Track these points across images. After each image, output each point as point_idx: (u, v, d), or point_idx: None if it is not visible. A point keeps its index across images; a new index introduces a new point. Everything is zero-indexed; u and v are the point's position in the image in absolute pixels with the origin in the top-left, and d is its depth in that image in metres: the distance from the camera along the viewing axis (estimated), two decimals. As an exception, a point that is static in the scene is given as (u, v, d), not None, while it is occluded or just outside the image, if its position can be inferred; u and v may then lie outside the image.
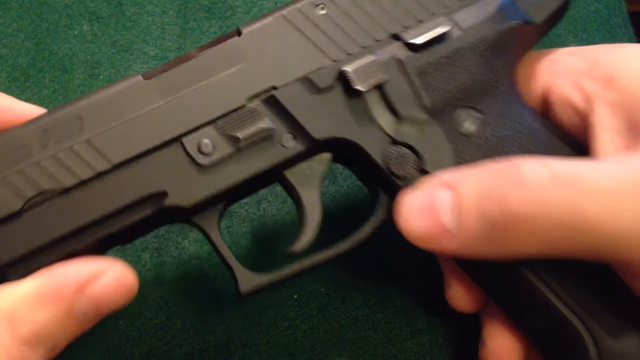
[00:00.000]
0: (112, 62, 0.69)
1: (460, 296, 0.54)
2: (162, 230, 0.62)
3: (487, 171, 0.44)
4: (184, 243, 0.63)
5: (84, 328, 0.46)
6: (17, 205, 0.46)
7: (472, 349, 0.55)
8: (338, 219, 0.63)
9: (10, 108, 0.50)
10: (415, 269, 0.61)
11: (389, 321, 0.60)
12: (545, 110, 0.53)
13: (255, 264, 0.62)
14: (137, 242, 0.62)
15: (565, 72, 0.51)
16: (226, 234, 0.63)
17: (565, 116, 0.51)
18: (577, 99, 0.49)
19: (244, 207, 0.64)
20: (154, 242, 0.62)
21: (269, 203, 0.64)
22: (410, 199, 0.46)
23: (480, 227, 0.43)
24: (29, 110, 0.50)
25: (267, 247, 0.63)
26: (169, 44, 0.70)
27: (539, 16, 0.51)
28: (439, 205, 0.45)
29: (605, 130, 0.47)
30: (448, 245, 0.45)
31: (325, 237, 0.60)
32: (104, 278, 0.46)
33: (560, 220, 0.41)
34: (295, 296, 0.61)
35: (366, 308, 0.61)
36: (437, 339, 0.60)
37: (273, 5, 0.72)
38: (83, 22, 0.70)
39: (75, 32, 0.70)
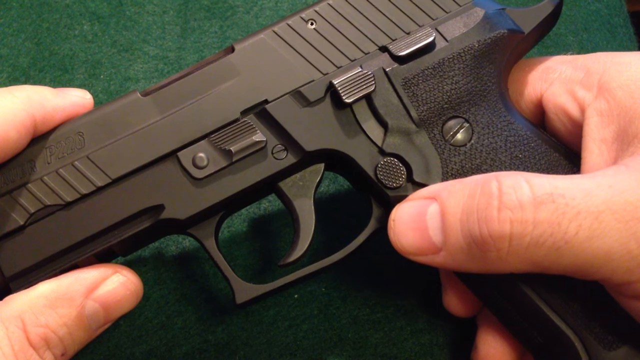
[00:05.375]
0: (113, 62, 0.69)
1: (456, 302, 0.54)
2: (162, 230, 0.63)
3: (472, 186, 0.44)
4: (184, 243, 0.63)
5: (91, 335, 0.48)
6: (21, 220, 0.48)
7: (472, 349, 0.55)
8: (338, 218, 0.63)
9: (58, 107, 0.50)
10: (416, 270, 0.61)
11: (390, 321, 0.60)
12: (540, 118, 0.53)
13: (255, 264, 0.62)
14: (137, 241, 0.62)
15: (560, 81, 0.51)
16: (227, 233, 0.63)
17: (560, 124, 0.51)
18: (572, 108, 0.49)
19: (245, 207, 0.64)
20: (154, 242, 0.62)
21: (269, 203, 0.64)
22: (401, 214, 0.47)
23: (463, 244, 0.44)
24: (76, 100, 0.51)
25: (268, 247, 0.63)
26: (170, 43, 0.70)
27: (528, 25, 0.51)
28: (427, 220, 0.46)
29: (594, 139, 0.47)
30: (436, 259, 0.46)
31: (326, 237, 0.60)
32: (111, 281, 0.48)
33: (539, 240, 0.41)
34: (296, 296, 0.61)
35: (367, 308, 0.61)
36: (438, 339, 0.60)
37: (273, 5, 0.72)
38: (84, 22, 0.70)
39: (76, 32, 0.70)
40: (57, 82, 0.68)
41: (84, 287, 0.47)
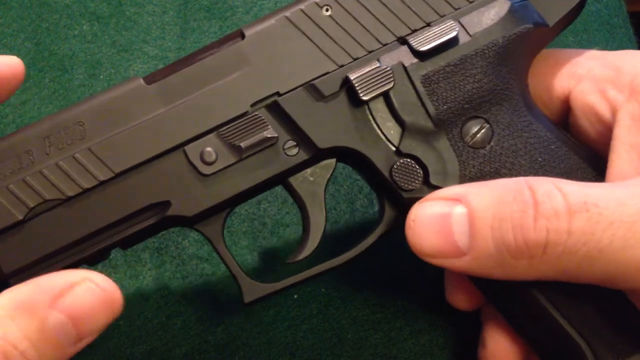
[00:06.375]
0: (112, 62, 0.69)
1: (459, 295, 0.54)
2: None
3: (501, 191, 0.43)
4: (184, 243, 0.63)
5: (65, 352, 0.42)
6: (19, 215, 0.46)
7: (472, 349, 0.55)
8: (338, 218, 0.63)
9: None
10: (416, 270, 0.61)
11: (389, 321, 0.60)
12: (564, 115, 0.52)
13: (255, 263, 0.62)
14: (137, 242, 0.62)
15: (589, 78, 0.49)
16: (227, 234, 0.63)
17: (588, 123, 0.50)
18: (602, 109, 0.48)
19: (244, 207, 0.64)
20: (154, 242, 0.62)
21: (269, 203, 0.64)
22: (423, 214, 0.46)
23: (493, 250, 0.43)
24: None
25: (267, 246, 0.63)
26: (169, 44, 0.70)
27: (553, 17, 0.49)
28: (452, 223, 0.44)
29: (624, 144, 0.46)
30: (457, 263, 0.45)
31: (325, 237, 0.60)
32: (79, 289, 0.42)
33: (572, 249, 0.41)
34: (296, 296, 0.61)
35: (366, 308, 0.61)
36: (437, 339, 0.60)
37: (273, 5, 0.72)
38: (83, 22, 0.70)
39: (75, 32, 0.70)
40: (56, 82, 0.68)
41: (47, 295, 0.41)
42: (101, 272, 0.45)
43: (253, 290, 0.49)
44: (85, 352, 0.58)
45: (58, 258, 0.47)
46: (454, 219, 0.44)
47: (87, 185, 0.46)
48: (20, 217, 0.46)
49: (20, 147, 0.46)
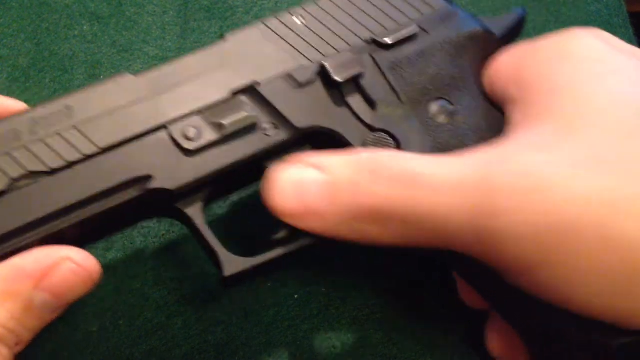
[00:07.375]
0: (113, 63, 0.69)
1: (471, 292, 0.54)
2: (162, 230, 0.62)
3: (353, 159, 0.47)
4: (184, 243, 0.63)
5: (47, 321, 0.46)
6: (1, 186, 0.47)
7: (473, 348, 0.55)
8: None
9: None
10: (417, 270, 0.61)
11: (389, 321, 0.60)
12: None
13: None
14: (137, 241, 0.62)
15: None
16: (222, 234, 0.63)
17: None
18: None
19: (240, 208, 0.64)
20: (154, 242, 0.62)
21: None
22: (278, 175, 0.48)
23: (341, 214, 0.46)
24: (10, 106, 0.51)
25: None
26: (170, 44, 0.70)
27: (498, 30, 0.57)
28: (305, 185, 0.47)
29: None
30: (313, 225, 0.47)
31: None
32: (62, 268, 0.45)
33: (397, 213, 0.44)
34: (296, 296, 0.61)
35: (366, 308, 0.61)
36: (438, 339, 0.60)
37: (273, 6, 0.72)
38: (83, 22, 0.71)
39: (76, 33, 0.70)
40: (57, 82, 0.68)
41: (31, 279, 0.44)
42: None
43: (233, 264, 0.51)
44: (85, 353, 0.59)
45: (38, 229, 0.47)
46: (306, 182, 0.47)
47: (71, 159, 0.48)
48: (3, 188, 0.47)
49: (6, 127, 0.48)
